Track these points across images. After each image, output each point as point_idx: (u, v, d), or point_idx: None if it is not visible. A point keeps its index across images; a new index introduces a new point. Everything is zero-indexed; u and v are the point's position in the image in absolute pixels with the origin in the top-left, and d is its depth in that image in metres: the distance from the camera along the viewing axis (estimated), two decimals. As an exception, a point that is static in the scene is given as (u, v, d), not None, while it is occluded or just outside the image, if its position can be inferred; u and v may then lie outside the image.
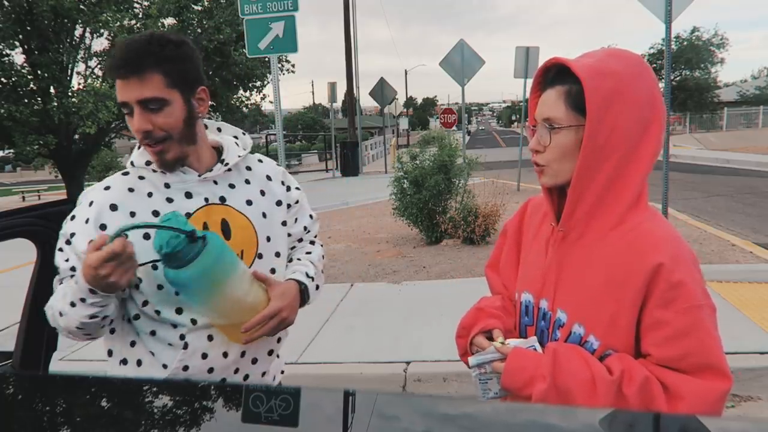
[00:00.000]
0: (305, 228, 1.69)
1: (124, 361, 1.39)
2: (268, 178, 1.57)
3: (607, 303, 1.08)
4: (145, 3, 14.85)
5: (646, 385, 1.02)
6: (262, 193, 1.52)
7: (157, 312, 1.34)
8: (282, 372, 1.66)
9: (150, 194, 1.39)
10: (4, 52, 13.20)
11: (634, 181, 1.09)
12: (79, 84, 14.58)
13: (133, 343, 1.38)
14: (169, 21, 15.32)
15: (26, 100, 13.48)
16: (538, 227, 1.28)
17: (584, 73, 1.05)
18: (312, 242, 1.79)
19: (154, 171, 1.40)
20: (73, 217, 1.37)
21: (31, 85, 13.59)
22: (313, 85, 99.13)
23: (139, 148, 1.46)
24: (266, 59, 15.45)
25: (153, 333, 1.36)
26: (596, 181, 1.08)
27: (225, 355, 1.40)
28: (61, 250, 1.36)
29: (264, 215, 1.49)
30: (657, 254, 1.04)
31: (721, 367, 1.03)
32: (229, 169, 1.47)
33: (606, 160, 1.07)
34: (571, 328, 1.13)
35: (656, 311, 1.04)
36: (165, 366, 1.35)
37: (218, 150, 1.54)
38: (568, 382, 1.04)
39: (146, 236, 1.30)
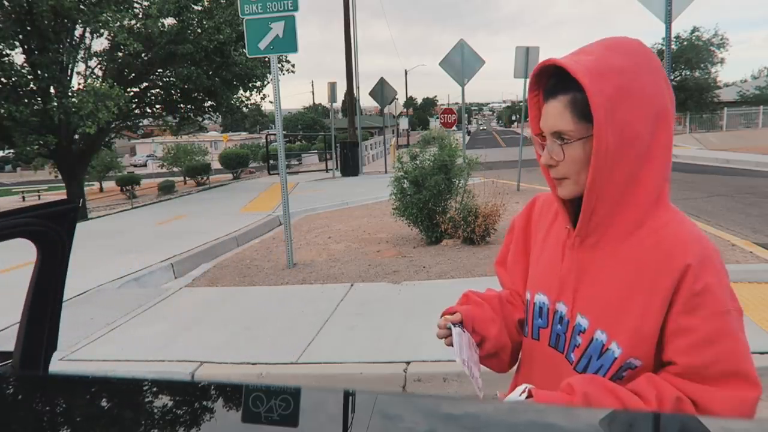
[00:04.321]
0: None
1: None
2: None
3: (633, 309, 1.03)
4: (145, 3, 14.85)
5: (678, 405, 0.98)
6: None
7: None
8: None
9: None
10: (4, 52, 13.19)
11: (651, 181, 1.04)
12: (79, 84, 14.59)
13: None
14: (169, 21, 15.32)
15: (26, 100, 13.47)
16: (549, 226, 1.24)
17: (585, 76, 0.98)
18: None
19: None
20: None
21: (31, 85, 13.59)
22: (313, 85, 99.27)
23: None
24: (266, 59, 15.45)
25: None
26: (612, 185, 1.03)
27: None
28: None
29: None
30: (685, 256, 1.00)
31: (750, 374, 0.99)
32: None
33: (619, 162, 1.01)
34: (593, 334, 1.08)
35: (681, 317, 0.99)
36: None
37: None
38: None
39: None
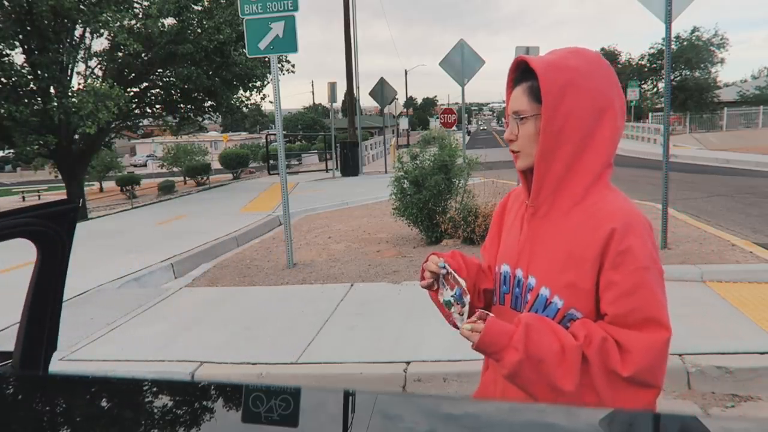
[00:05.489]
0: None
1: None
2: None
3: (570, 268, 1.23)
4: (145, 3, 14.84)
5: (603, 344, 1.16)
6: None
7: None
8: None
9: None
10: (4, 52, 13.17)
11: (592, 164, 1.24)
12: (79, 84, 14.58)
13: None
14: (169, 21, 15.31)
15: (26, 100, 13.45)
16: (516, 210, 1.44)
17: (540, 68, 1.21)
18: None
19: None
20: None
21: (31, 85, 13.57)
22: (313, 85, 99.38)
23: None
24: (266, 59, 15.44)
25: None
26: (557, 163, 1.23)
27: None
28: None
29: None
30: (612, 222, 1.19)
31: (662, 319, 1.17)
32: None
33: (564, 144, 1.22)
34: (538, 291, 1.28)
35: (608, 274, 1.19)
36: None
37: None
38: (540, 353, 1.17)
39: None
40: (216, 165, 31.86)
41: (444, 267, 1.36)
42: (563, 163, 1.23)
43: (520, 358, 1.17)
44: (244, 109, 19.67)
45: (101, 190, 32.81)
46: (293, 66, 18.30)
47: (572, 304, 1.23)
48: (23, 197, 30.66)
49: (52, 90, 13.65)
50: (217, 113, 20.51)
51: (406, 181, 7.23)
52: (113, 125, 16.62)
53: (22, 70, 13.53)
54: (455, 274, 1.35)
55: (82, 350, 4.41)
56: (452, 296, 1.34)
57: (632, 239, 1.18)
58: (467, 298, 1.32)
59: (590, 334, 1.17)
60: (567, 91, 1.20)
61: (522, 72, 1.30)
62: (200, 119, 20.62)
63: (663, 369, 1.18)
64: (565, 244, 1.24)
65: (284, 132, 7.26)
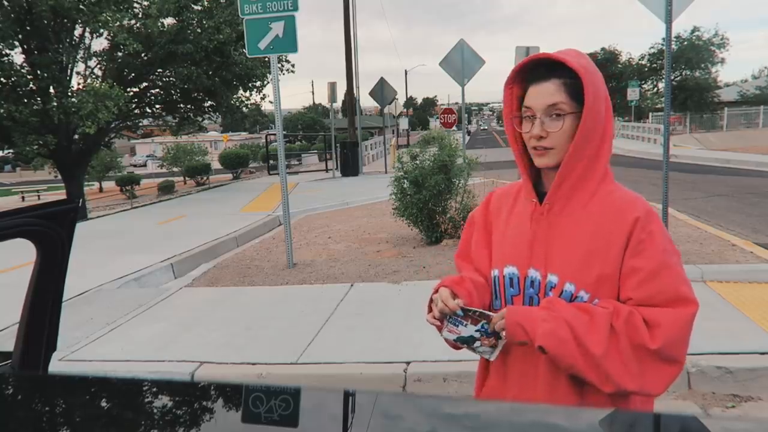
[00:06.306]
0: None
1: None
2: None
3: (594, 260, 1.26)
4: (145, 3, 14.82)
5: (630, 317, 1.19)
6: None
7: None
8: None
9: None
10: (4, 52, 13.17)
11: (604, 159, 1.31)
12: (79, 84, 14.57)
13: None
14: (169, 21, 15.30)
15: (26, 100, 13.44)
16: (509, 210, 1.44)
17: (581, 68, 1.25)
18: None
19: None
20: None
21: (31, 85, 13.56)
22: (313, 85, 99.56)
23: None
24: (266, 59, 15.43)
25: None
26: (583, 159, 1.28)
27: None
28: None
29: None
30: (634, 210, 1.25)
31: (688, 295, 1.22)
32: None
33: (591, 141, 1.27)
34: (562, 287, 1.28)
35: (631, 260, 1.24)
36: None
37: None
38: (568, 317, 1.20)
39: None
40: (216, 165, 31.83)
41: (463, 312, 1.30)
42: (587, 160, 1.28)
43: (553, 316, 1.20)
44: (244, 109, 19.65)
45: (101, 190, 32.78)
46: (293, 66, 18.29)
47: (597, 295, 1.26)
48: (23, 197, 30.64)
49: (51, 90, 13.64)
50: (217, 113, 20.50)
51: (406, 181, 7.22)
52: (113, 125, 16.61)
53: (22, 70, 13.52)
54: (481, 311, 1.30)
55: (82, 350, 4.41)
56: (477, 331, 1.30)
57: (654, 226, 1.25)
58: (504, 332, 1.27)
59: (617, 308, 1.21)
60: (596, 93, 1.26)
61: (546, 68, 1.28)
62: (200, 119, 20.60)
63: (687, 343, 1.22)
64: (587, 236, 1.27)
65: (284, 132, 7.26)
